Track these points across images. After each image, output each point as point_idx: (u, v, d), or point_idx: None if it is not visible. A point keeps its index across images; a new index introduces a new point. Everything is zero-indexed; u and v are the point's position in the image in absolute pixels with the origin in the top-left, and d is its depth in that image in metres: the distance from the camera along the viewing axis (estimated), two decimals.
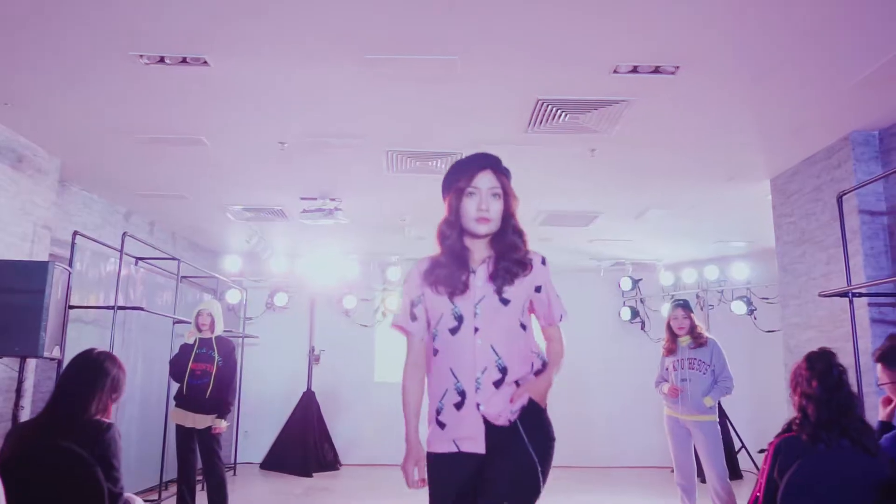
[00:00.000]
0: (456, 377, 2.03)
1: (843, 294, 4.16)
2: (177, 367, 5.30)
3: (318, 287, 9.07)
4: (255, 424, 9.25)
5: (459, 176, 2.11)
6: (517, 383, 2.04)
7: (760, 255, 8.37)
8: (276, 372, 9.33)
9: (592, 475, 8.60)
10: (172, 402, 5.37)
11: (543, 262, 2.17)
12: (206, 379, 5.19)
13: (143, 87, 3.88)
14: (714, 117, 4.32)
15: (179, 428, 5.21)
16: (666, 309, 9.01)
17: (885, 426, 2.66)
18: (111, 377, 2.54)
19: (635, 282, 9.59)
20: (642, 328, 9.59)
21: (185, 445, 5.23)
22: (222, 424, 5.17)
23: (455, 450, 2.02)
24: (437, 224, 2.15)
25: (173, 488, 6.27)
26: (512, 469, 1.93)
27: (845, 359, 4.28)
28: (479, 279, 2.07)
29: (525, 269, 2.09)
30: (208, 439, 5.16)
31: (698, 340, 5.06)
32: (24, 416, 4.46)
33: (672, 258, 9.09)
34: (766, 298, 8.18)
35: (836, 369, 2.41)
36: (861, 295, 4.17)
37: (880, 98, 4.02)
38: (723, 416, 8.02)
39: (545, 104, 4.07)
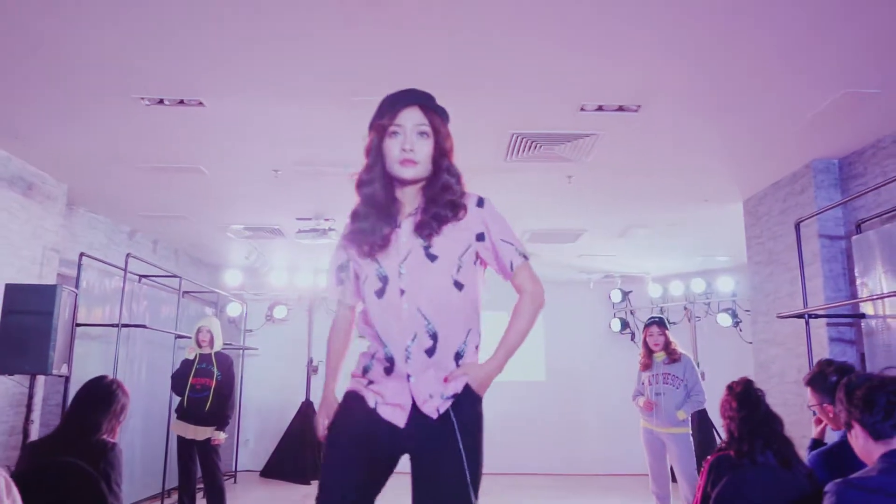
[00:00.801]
0: (384, 343, 1.79)
1: (800, 316, 4.42)
2: (178, 381, 5.59)
3: (316, 300, 9.34)
4: (256, 433, 9.53)
5: (382, 114, 1.85)
6: (457, 357, 1.79)
7: (745, 268, 8.60)
8: (276, 382, 9.61)
9: (583, 482, 8.84)
10: (174, 415, 5.65)
11: (481, 202, 1.85)
12: (205, 393, 5.47)
13: (144, 123, 4.18)
14: (680, 147, 4.59)
15: (180, 439, 5.49)
16: None
17: (817, 443, 2.92)
18: (120, 403, 2.84)
19: (625, 294, 9.84)
20: (632, 339, 9.83)
21: (185, 456, 5.51)
22: (221, 436, 5.45)
23: (373, 405, 1.79)
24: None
25: (175, 496, 6.56)
26: (441, 487, 1.73)
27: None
28: (405, 234, 1.81)
29: (457, 212, 1.80)
30: (208, 450, 5.44)
31: (672, 356, 5.32)
32: (34, 429, 4.74)
33: (659, 271, 9.34)
34: (751, 311, 8.41)
35: (754, 392, 2.70)
36: (817, 317, 4.42)
37: (838, 129, 4.27)
38: (709, 425, 8.25)
39: (520, 137, 4.35)
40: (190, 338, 6.01)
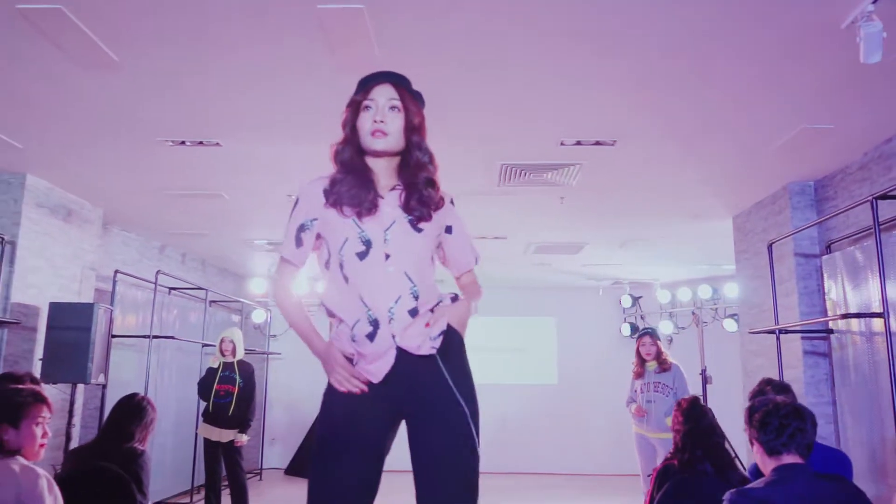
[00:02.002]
0: (367, 305, 1.83)
1: (771, 332, 4.71)
2: (203, 388, 6.07)
3: None
4: (280, 433, 10.05)
5: (356, 91, 1.97)
6: (431, 311, 1.89)
7: None
8: (299, 385, 10.08)
9: (593, 482, 9.18)
10: (200, 419, 6.15)
11: (452, 202, 2.02)
12: (229, 398, 5.95)
13: (169, 160, 4.66)
14: (660, 174, 4.92)
15: (206, 441, 5.98)
16: (664, 325, 9.61)
17: None
18: (149, 417, 3.31)
19: (635, 299, 10.13)
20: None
21: (211, 456, 5.99)
22: (244, 438, 5.92)
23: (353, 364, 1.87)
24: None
25: (204, 492, 7.08)
26: (446, 432, 1.81)
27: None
28: (389, 205, 1.89)
29: (437, 189, 1.94)
30: (231, 451, 5.92)
31: (663, 366, 5.65)
32: (75, 431, 5.26)
33: (667, 278, 9.61)
34: (739, 323, 8.63)
35: (698, 408, 3.03)
36: (787, 332, 4.72)
37: (807, 156, 4.55)
38: None
39: (508, 167, 4.72)
40: (214, 346, 6.50)
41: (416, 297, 1.85)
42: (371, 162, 1.91)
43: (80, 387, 5.51)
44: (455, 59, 3.28)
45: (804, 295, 4.88)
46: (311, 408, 9.73)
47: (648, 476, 5.60)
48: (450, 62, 3.32)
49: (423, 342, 1.83)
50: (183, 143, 4.28)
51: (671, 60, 3.28)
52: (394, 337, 1.82)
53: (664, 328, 9.66)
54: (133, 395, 3.40)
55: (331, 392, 1.89)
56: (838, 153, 4.46)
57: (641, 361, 5.78)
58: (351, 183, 1.87)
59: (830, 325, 4.55)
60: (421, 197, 1.88)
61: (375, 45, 3.04)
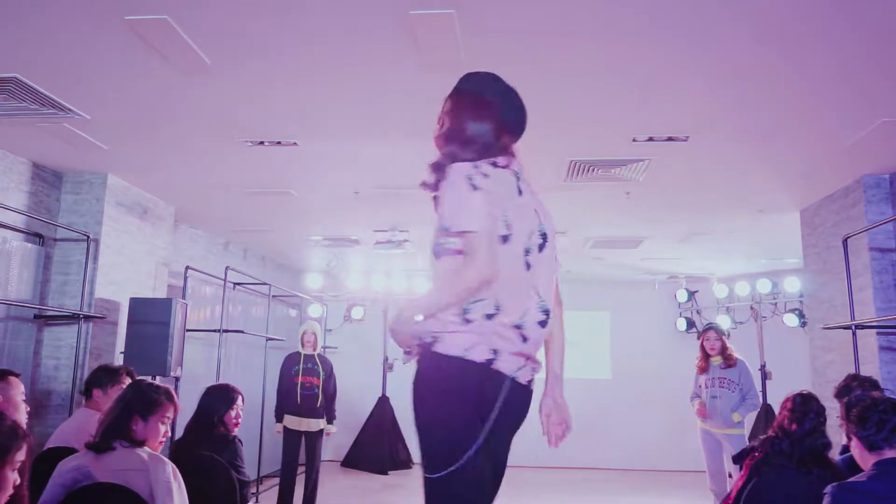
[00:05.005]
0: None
1: (847, 327, 4.64)
2: (284, 383, 6.18)
3: (390, 301, 9.94)
4: (336, 426, 10.20)
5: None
6: None
7: None
8: (355, 379, 10.26)
9: (647, 477, 9.14)
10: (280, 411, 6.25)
11: None
12: (315, 390, 6.10)
13: (245, 159, 4.80)
14: (730, 168, 4.88)
15: (290, 432, 6.10)
16: (722, 320, 9.48)
17: (847, 449, 3.22)
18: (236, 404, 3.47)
19: (691, 294, 10.02)
20: (698, 338, 9.98)
21: (292, 446, 6.14)
22: (332, 429, 6.13)
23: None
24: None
25: (268, 482, 7.30)
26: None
27: None
28: None
29: None
30: (316, 441, 6.09)
31: (728, 361, 5.60)
32: None
33: (724, 272, 9.48)
34: (808, 318, 8.47)
35: (812, 417, 2.91)
36: (864, 328, 4.64)
37: (885, 149, 4.47)
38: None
39: (577, 163, 4.74)
40: (277, 339, 6.70)
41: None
42: None
43: (157, 379, 5.74)
44: (531, 58, 3.33)
45: (879, 290, 4.80)
46: (366, 401, 9.93)
47: (716, 472, 5.59)
48: (527, 61, 3.36)
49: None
50: (261, 143, 4.42)
51: (748, 56, 3.27)
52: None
53: (721, 323, 9.53)
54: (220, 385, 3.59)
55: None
56: None
57: (706, 356, 5.74)
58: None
59: None
60: None
61: (462, 46, 3.10)
